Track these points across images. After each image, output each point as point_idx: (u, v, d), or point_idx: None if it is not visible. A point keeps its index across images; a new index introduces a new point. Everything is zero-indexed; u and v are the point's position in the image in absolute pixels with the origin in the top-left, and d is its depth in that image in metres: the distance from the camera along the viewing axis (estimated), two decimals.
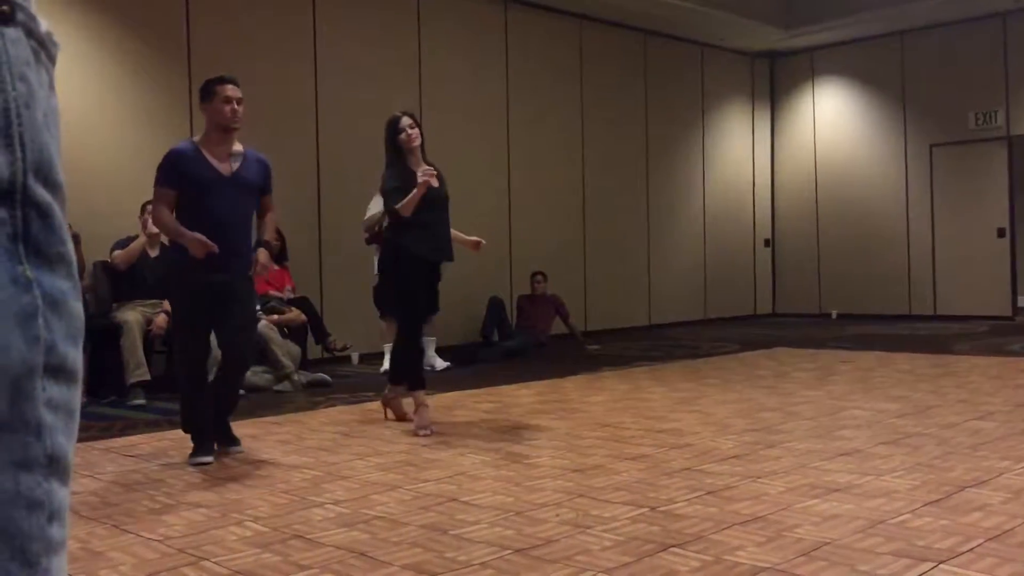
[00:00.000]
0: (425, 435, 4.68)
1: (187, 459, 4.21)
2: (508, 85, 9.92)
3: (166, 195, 4.32)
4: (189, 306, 4.30)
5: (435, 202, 4.86)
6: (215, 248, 4.09)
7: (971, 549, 2.67)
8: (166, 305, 6.42)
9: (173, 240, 4.31)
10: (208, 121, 4.38)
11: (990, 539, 2.76)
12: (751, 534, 2.87)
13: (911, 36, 11.73)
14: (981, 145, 11.28)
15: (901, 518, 3.00)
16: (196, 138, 4.48)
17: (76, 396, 0.56)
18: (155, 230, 6.45)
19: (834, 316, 12.33)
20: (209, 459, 4.19)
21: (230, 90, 4.33)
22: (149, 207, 6.59)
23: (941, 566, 2.53)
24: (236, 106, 4.32)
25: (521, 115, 9.96)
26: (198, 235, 4.11)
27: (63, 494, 0.54)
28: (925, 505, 3.15)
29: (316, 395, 6.35)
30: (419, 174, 4.80)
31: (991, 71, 11.15)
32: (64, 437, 0.54)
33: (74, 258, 0.57)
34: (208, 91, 4.35)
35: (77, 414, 0.57)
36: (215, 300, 4.23)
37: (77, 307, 0.56)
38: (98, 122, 7.10)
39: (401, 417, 5.13)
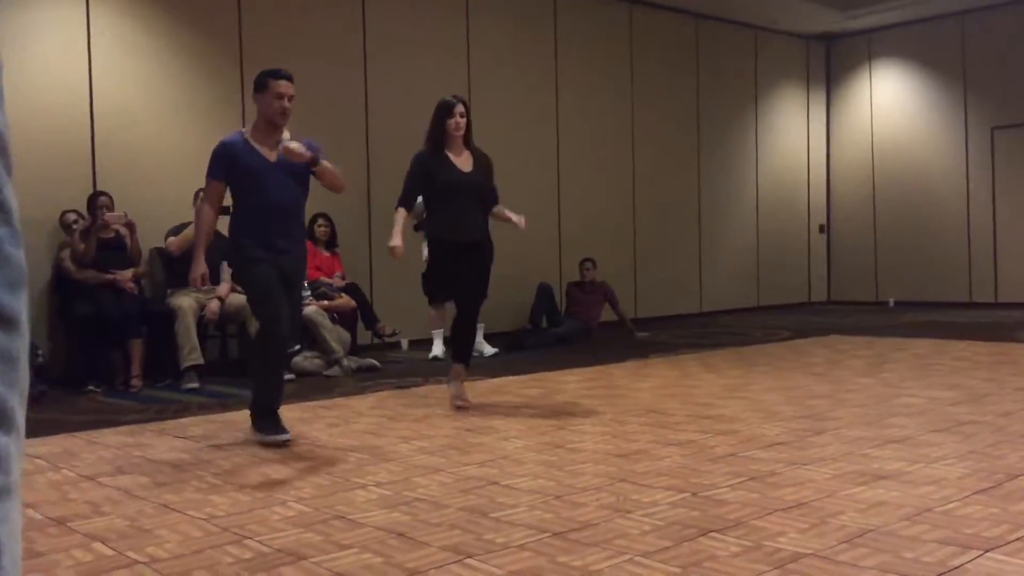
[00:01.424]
0: (458, 406, 5.02)
1: (261, 438, 4.23)
2: (557, 72, 9.87)
3: (214, 189, 4.43)
4: (263, 279, 4.28)
5: (462, 188, 5.00)
6: (204, 284, 4.45)
7: (1020, 538, 2.60)
8: (219, 291, 6.55)
9: (232, 233, 4.51)
10: (259, 112, 4.45)
11: None
12: (793, 520, 2.83)
13: (971, 16, 11.41)
14: None
15: (949, 506, 2.94)
16: (246, 128, 4.54)
17: (16, 343, 0.55)
18: None
19: (891, 304, 12.09)
20: (288, 435, 4.22)
21: (283, 86, 4.36)
22: (203, 194, 6.73)
23: (988, 554, 2.47)
24: (287, 103, 4.38)
25: (571, 102, 9.91)
26: (201, 269, 4.36)
27: (3, 442, 0.54)
28: (975, 493, 3.08)
29: (365, 380, 6.41)
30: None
31: None
32: (3, 384, 0.53)
33: (13, 205, 0.57)
34: (262, 84, 4.39)
35: (19, 362, 0.56)
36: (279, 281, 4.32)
37: (15, 254, 0.55)
38: (153, 112, 7.23)
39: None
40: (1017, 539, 2.59)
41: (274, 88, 4.34)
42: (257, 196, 4.34)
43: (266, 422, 4.27)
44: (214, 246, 6.68)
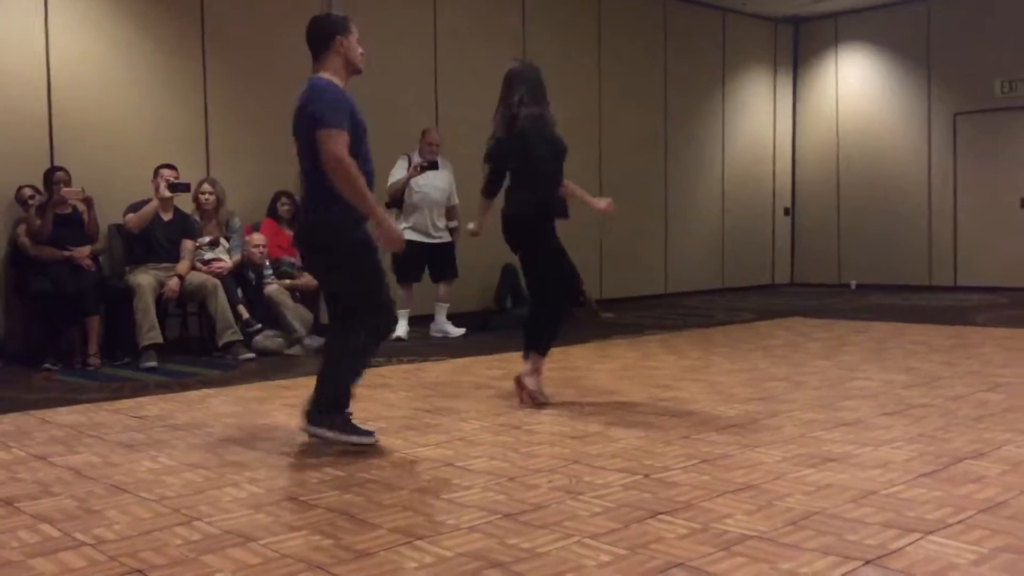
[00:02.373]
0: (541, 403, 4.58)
1: (356, 439, 3.66)
2: (525, 52, 9.82)
3: (346, 140, 3.58)
4: (380, 266, 3.78)
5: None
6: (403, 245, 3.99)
7: (961, 521, 2.65)
8: (179, 268, 6.49)
9: (343, 201, 3.58)
10: (340, 59, 3.76)
11: (982, 511, 2.74)
12: (742, 503, 2.87)
13: (936, 3, 11.49)
14: (1006, 113, 11.08)
15: (894, 489, 2.99)
16: (326, 75, 3.76)
17: None
18: (168, 194, 6.53)
19: (853, 286, 12.22)
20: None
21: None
22: (163, 170, 6.65)
23: (929, 536, 2.52)
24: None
25: None
26: (394, 226, 3.84)
27: None
28: (920, 476, 3.13)
29: None
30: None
31: (1018, 38, 10.91)
32: None
33: None
34: (345, 26, 3.78)
35: None
36: None
37: None
38: (112, 86, 7.12)
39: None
40: (958, 522, 2.64)
41: (356, 33, 3.81)
42: (361, 160, 3.65)
43: (349, 423, 3.70)
44: (170, 221, 6.64)
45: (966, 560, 2.35)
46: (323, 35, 3.77)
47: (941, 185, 11.63)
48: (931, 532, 2.56)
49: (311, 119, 3.62)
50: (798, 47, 12.96)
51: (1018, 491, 2.94)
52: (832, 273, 12.60)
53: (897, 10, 11.83)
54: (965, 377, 5.17)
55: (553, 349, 6.68)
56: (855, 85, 12.39)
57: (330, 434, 3.65)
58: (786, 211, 13.05)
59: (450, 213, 7.81)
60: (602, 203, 5.15)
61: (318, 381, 3.75)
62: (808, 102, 12.92)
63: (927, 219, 11.75)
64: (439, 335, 7.73)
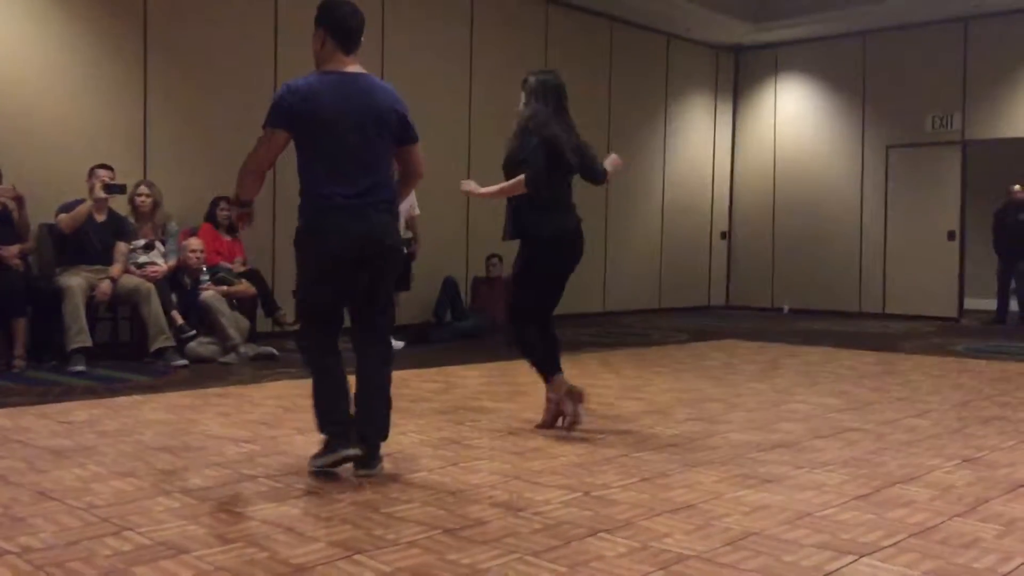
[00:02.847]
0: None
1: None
2: (471, 68, 9.85)
3: None
4: None
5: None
6: None
7: (894, 544, 2.71)
8: (111, 272, 6.33)
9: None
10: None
11: (913, 535, 2.80)
12: (680, 522, 2.89)
13: (874, 37, 11.84)
14: (936, 148, 11.45)
15: (829, 511, 3.04)
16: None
17: None
18: (103, 195, 6.37)
19: (786, 310, 12.47)
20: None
21: None
22: (98, 171, 6.49)
23: (863, 559, 2.57)
24: None
25: (483, 98, 9.90)
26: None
27: None
28: (854, 499, 3.19)
29: (262, 368, 6.28)
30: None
31: (950, 75, 11.30)
32: None
33: None
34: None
35: None
36: None
37: None
38: (48, 82, 6.93)
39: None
40: (891, 545, 2.70)
41: None
42: None
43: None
44: (104, 223, 6.47)
45: None
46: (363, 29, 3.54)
47: (873, 215, 11.95)
48: (865, 554, 2.60)
49: (407, 127, 3.55)
50: (739, 75, 13.23)
51: (947, 516, 3.01)
52: (766, 297, 12.84)
53: (835, 43, 12.15)
54: (895, 403, 5.29)
55: (494, 365, 6.72)
56: (793, 114, 12.68)
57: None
58: (723, 235, 13.26)
59: (410, 224, 7.76)
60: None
61: (385, 408, 3.51)
62: (747, 129, 13.18)
63: (858, 247, 12.06)
64: None
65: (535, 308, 4.45)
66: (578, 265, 4.56)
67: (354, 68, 3.48)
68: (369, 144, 3.45)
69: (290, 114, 3.39)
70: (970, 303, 11.76)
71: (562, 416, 4.36)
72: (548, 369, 4.41)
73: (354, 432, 3.41)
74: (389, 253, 3.48)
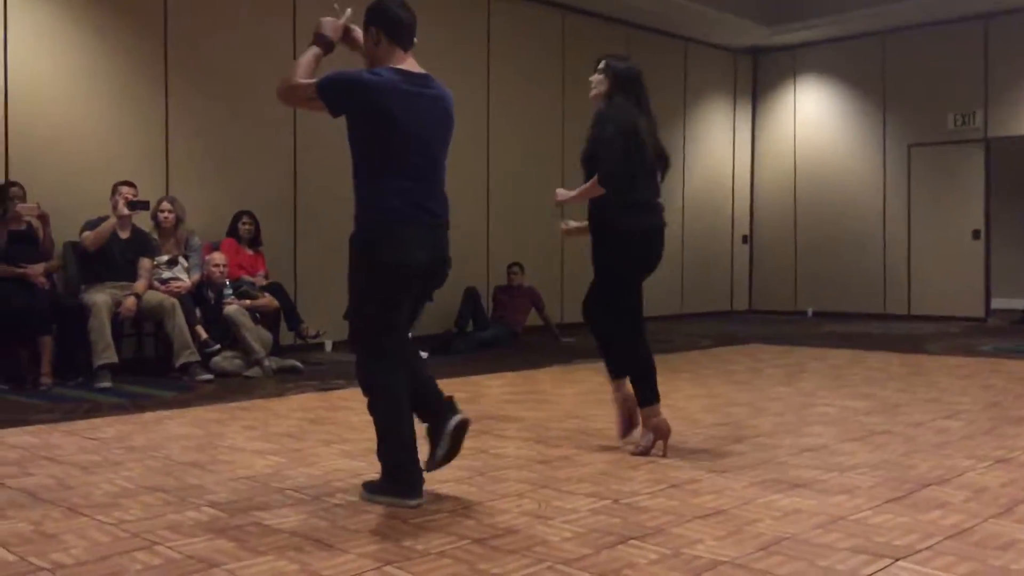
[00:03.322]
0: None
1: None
2: (489, 76, 9.87)
3: None
4: None
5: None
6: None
7: (929, 547, 2.67)
8: (136, 288, 6.37)
9: None
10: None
11: (948, 537, 2.76)
12: (711, 528, 2.86)
13: (893, 36, 11.76)
14: (959, 146, 11.35)
15: (861, 514, 3.00)
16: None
17: None
18: (126, 212, 6.42)
19: (810, 314, 12.38)
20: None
21: None
22: (121, 188, 6.54)
23: (899, 563, 2.53)
24: None
25: (502, 106, 9.90)
26: None
27: None
28: (886, 502, 3.15)
29: (286, 381, 6.30)
30: None
31: (971, 73, 11.21)
32: None
33: None
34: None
35: None
36: None
37: None
38: (71, 100, 7.00)
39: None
40: (926, 548, 2.66)
41: None
42: None
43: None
44: (128, 239, 6.51)
45: None
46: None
47: (896, 215, 11.85)
48: (901, 558, 2.57)
49: (449, 131, 3.41)
50: (757, 78, 13.18)
51: (982, 518, 2.96)
52: (789, 300, 12.75)
53: (854, 43, 12.08)
54: (923, 405, 5.23)
55: (518, 374, 6.71)
56: (812, 116, 12.61)
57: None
58: (744, 239, 13.19)
59: None
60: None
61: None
62: (766, 132, 13.12)
63: (882, 248, 11.96)
64: None
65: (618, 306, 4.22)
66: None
67: (418, 67, 3.30)
68: (440, 149, 3.33)
69: (366, 102, 3.15)
70: (997, 302, 11.63)
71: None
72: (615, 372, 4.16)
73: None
74: (445, 274, 3.39)
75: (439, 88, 3.36)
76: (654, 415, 3.99)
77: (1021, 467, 3.68)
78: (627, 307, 4.21)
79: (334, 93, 3.20)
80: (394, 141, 3.18)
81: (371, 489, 3.24)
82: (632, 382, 4.09)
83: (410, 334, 3.48)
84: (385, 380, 3.21)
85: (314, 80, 3.23)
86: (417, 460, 3.19)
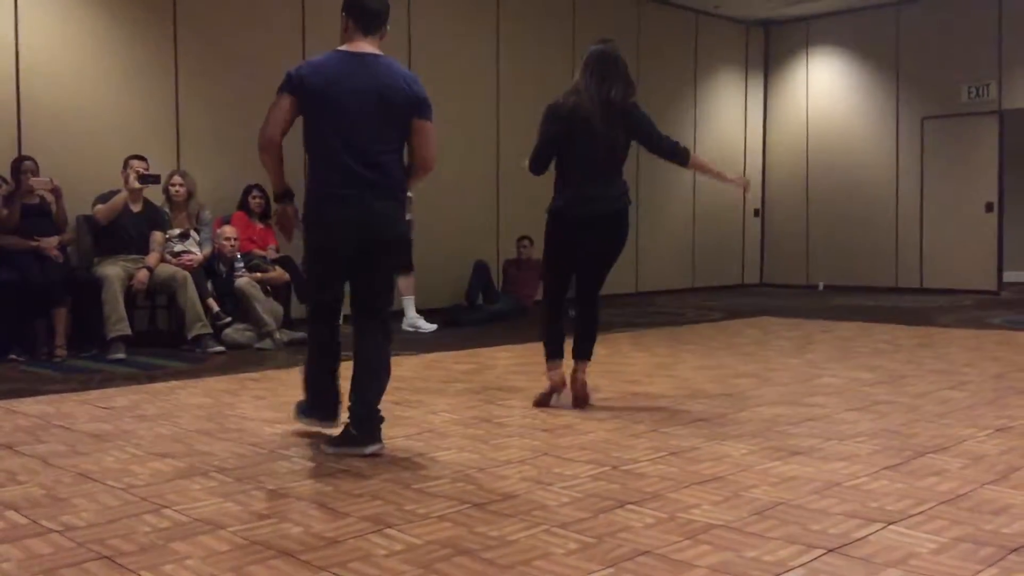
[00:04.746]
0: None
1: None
2: (498, 50, 9.85)
3: None
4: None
5: None
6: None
7: (922, 512, 2.71)
8: (148, 261, 6.44)
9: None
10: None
11: (942, 502, 2.80)
12: (708, 493, 2.91)
13: (906, 7, 11.65)
14: (973, 119, 11.26)
15: (858, 481, 3.04)
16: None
17: None
18: (138, 185, 6.48)
19: (821, 287, 12.36)
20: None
21: None
22: (133, 162, 6.60)
23: (890, 526, 2.57)
24: None
25: (511, 81, 9.89)
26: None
27: None
28: (883, 469, 3.19)
29: (297, 353, 6.35)
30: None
31: (985, 44, 11.10)
32: None
33: None
34: None
35: None
36: None
37: None
38: (82, 74, 7.05)
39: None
40: (919, 512, 2.70)
41: None
42: None
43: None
44: (140, 213, 6.58)
45: (926, 549, 2.40)
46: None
47: (908, 188, 11.79)
48: (893, 522, 2.61)
49: (424, 107, 3.51)
50: (769, 50, 13.09)
51: (978, 484, 3.00)
52: (801, 274, 12.73)
53: (867, 15, 11.97)
54: (929, 376, 5.25)
55: (526, 346, 6.75)
56: (825, 89, 12.52)
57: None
58: (756, 212, 13.16)
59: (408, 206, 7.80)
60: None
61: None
62: (779, 105, 13.04)
63: (894, 222, 11.91)
64: (411, 329, 7.73)
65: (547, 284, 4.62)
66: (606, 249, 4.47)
67: (369, 48, 3.51)
68: (374, 125, 3.43)
69: (299, 82, 3.42)
70: (1010, 275, 11.58)
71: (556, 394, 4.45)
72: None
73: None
74: (388, 242, 3.51)
75: (385, 67, 3.48)
76: (552, 369, 4.43)
77: (1021, 436, 3.70)
78: (547, 282, 4.62)
79: (281, 86, 3.49)
80: (321, 119, 3.43)
81: (336, 444, 3.50)
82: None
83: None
84: (310, 328, 3.73)
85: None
86: (330, 391, 3.67)
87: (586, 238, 4.37)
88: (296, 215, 3.67)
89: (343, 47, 3.53)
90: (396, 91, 3.46)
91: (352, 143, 3.42)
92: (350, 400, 3.53)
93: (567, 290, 4.59)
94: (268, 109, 3.50)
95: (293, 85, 3.44)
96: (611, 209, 4.39)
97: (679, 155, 4.62)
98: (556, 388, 4.43)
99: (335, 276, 3.59)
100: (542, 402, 4.43)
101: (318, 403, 3.70)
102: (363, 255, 3.49)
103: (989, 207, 11.16)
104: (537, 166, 4.49)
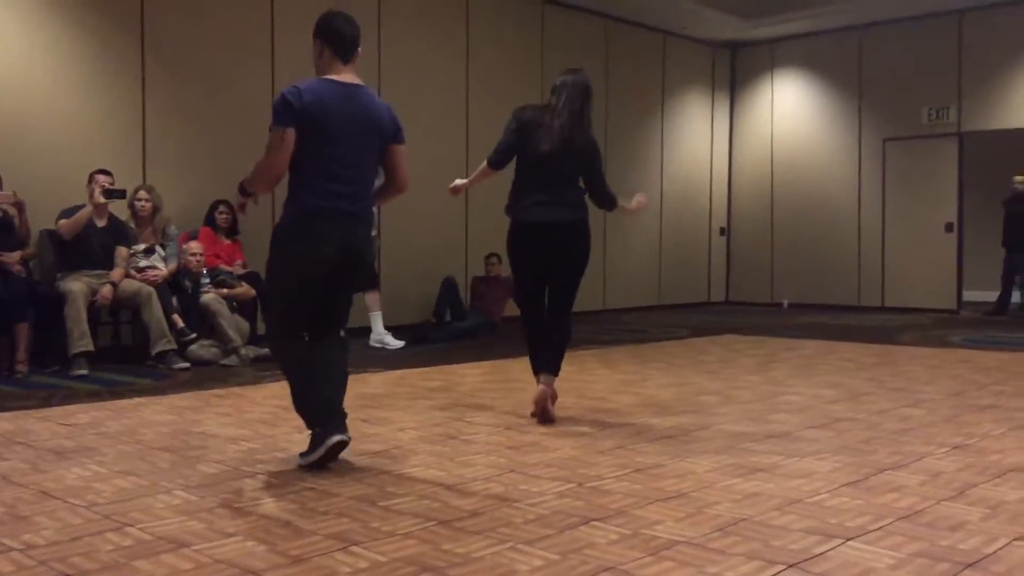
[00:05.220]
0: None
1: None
2: (467, 69, 9.91)
3: None
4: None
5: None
6: None
7: (880, 528, 2.75)
8: (112, 276, 6.39)
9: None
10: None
11: (900, 518, 2.85)
12: (672, 510, 2.94)
13: (869, 31, 11.89)
14: (933, 141, 11.49)
15: (818, 497, 3.09)
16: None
17: None
18: (103, 200, 6.43)
19: (785, 305, 12.51)
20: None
21: None
22: (98, 176, 6.55)
23: (849, 542, 2.62)
24: None
25: (480, 99, 9.95)
26: None
27: None
28: (843, 486, 3.24)
29: (263, 370, 6.34)
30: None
31: (945, 68, 11.35)
32: None
33: None
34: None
35: None
36: None
37: None
38: (47, 88, 7.00)
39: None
40: (878, 528, 2.74)
41: None
42: None
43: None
44: (105, 228, 6.53)
45: (884, 564, 2.44)
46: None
47: (870, 209, 11.99)
48: (852, 538, 2.65)
49: (400, 133, 3.71)
50: (735, 72, 13.28)
51: (935, 500, 3.06)
52: (765, 292, 12.88)
53: (831, 38, 12.20)
54: (889, 393, 5.34)
55: (493, 363, 6.77)
56: (790, 110, 12.72)
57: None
58: (722, 231, 13.31)
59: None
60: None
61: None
62: (744, 125, 13.23)
63: (856, 241, 12.10)
64: (378, 346, 7.72)
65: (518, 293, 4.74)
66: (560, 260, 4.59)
67: (353, 79, 3.62)
68: (361, 154, 3.59)
69: (299, 112, 3.46)
70: (969, 295, 11.80)
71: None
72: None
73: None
74: (362, 265, 3.68)
75: (369, 98, 3.65)
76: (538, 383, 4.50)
77: (977, 453, 3.78)
78: (517, 298, 4.74)
79: (278, 116, 3.49)
80: (314, 145, 3.48)
81: (305, 453, 3.53)
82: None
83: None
84: (287, 346, 3.66)
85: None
86: (329, 404, 3.54)
87: (544, 245, 4.50)
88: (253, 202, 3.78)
89: (331, 76, 3.58)
90: (379, 121, 3.63)
91: (341, 168, 3.53)
92: (312, 406, 3.57)
93: (539, 304, 4.64)
94: (269, 144, 3.49)
95: (295, 114, 3.46)
96: (567, 218, 4.51)
97: (610, 203, 4.83)
98: (548, 396, 4.47)
99: (312, 292, 3.58)
100: (543, 414, 4.47)
101: (324, 412, 3.53)
102: (340, 273, 3.58)
103: (949, 227, 11.38)
104: (497, 159, 4.61)
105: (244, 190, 3.70)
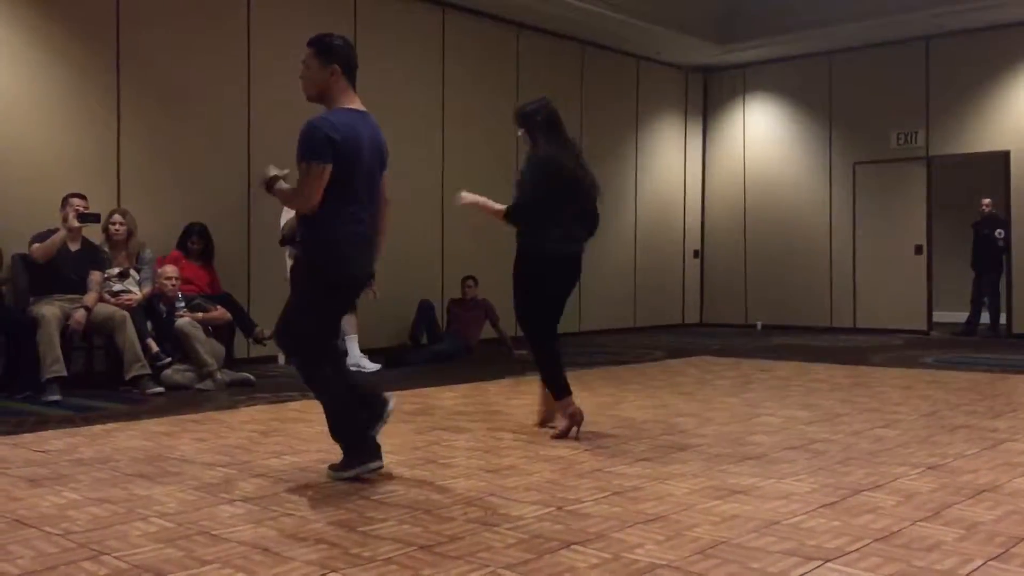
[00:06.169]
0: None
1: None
2: (443, 93, 9.95)
3: None
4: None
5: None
6: None
7: (858, 549, 2.78)
8: (86, 300, 6.33)
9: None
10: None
11: (877, 540, 2.87)
12: (652, 533, 2.95)
13: (839, 56, 12.08)
14: (902, 164, 11.67)
15: (796, 519, 3.11)
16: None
17: None
18: (76, 224, 6.38)
19: (759, 327, 12.61)
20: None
21: None
22: (72, 200, 6.50)
23: (827, 564, 2.64)
24: None
25: (456, 122, 10.00)
26: None
27: None
28: (820, 507, 3.27)
29: (238, 394, 6.30)
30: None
31: (913, 92, 11.54)
32: None
33: None
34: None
35: None
36: None
37: None
38: (20, 110, 6.96)
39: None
40: (855, 550, 2.77)
41: None
42: None
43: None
44: (79, 252, 6.48)
45: None
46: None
47: (841, 231, 12.14)
48: (829, 560, 2.67)
49: (385, 158, 3.87)
50: (708, 96, 13.43)
51: (911, 521, 3.09)
52: (739, 314, 12.97)
53: (802, 63, 12.38)
54: (863, 414, 5.39)
55: (470, 386, 6.77)
56: (761, 133, 12.88)
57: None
58: (696, 254, 13.41)
59: None
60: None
61: None
62: (717, 149, 13.37)
63: (828, 263, 12.23)
64: (354, 368, 7.68)
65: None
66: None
67: (361, 105, 3.78)
68: (374, 180, 3.79)
69: (340, 146, 3.56)
70: (939, 315, 11.95)
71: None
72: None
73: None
74: (364, 287, 4.03)
75: (375, 125, 3.84)
76: (568, 405, 4.64)
77: (951, 473, 3.82)
78: (536, 324, 4.82)
79: (317, 152, 3.55)
80: (346, 173, 3.61)
81: (338, 468, 3.71)
82: (545, 380, 4.76)
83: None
84: (330, 370, 3.74)
85: (299, 172, 3.61)
86: (368, 431, 3.73)
87: (566, 276, 4.81)
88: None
89: (351, 106, 3.72)
90: (383, 147, 3.85)
91: (363, 195, 3.70)
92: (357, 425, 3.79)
93: (556, 331, 4.85)
94: (306, 178, 3.55)
95: (333, 150, 3.54)
96: (581, 249, 4.89)
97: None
98: (576, 421, 4.64)
99: (342, 315, 3.92)
100: (562, 435, 4.64)
101: (363, 442, 3.72)
102: (356, 295, 4.02)
103: (918, 249, 11.53)
104: (528, 215, 4.76)
105: (270, 188, 3.77)
